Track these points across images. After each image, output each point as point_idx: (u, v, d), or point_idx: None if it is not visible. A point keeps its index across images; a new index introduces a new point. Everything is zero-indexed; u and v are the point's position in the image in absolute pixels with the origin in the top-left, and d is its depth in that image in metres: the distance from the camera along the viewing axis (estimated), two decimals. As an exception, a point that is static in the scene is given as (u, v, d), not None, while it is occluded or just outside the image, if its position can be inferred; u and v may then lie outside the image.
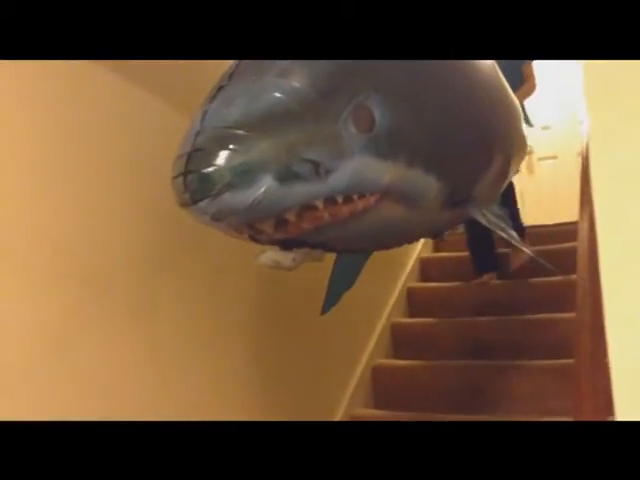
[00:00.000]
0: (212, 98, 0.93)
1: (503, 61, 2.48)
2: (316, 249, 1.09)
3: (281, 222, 0.93)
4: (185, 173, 0.85)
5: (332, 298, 1.50)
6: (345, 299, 2.38)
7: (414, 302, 3.17)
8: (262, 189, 0.85)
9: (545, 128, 4.22)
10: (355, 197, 0.97)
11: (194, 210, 0.87)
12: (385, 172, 0.99)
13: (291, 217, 0.93)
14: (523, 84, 2.89)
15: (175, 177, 0.86)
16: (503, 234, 1.34)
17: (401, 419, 2.31)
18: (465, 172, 1.22)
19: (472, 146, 1.21)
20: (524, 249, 1.49)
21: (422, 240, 3.52)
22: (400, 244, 1.36)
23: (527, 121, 2.75)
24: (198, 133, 0.88)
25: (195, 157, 0.86)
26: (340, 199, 0.95)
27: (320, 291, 1.51)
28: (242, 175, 0.85)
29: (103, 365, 1.20)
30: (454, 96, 1.16)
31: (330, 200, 0.94)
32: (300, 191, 0.89)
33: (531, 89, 2.96)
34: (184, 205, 0.87)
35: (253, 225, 0.93)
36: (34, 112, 1.12)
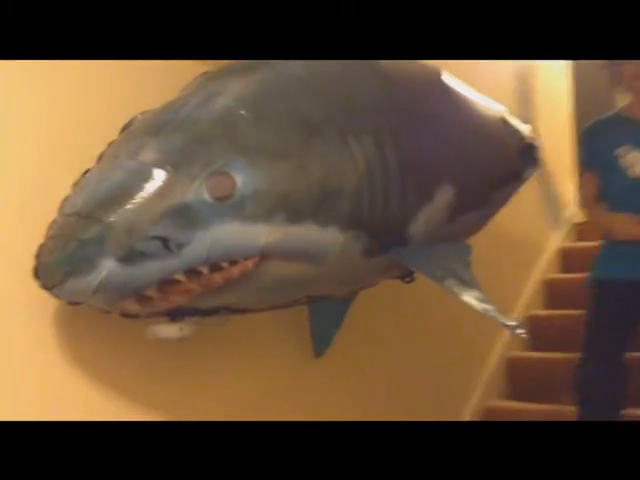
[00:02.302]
0: (76, 182, 0.95)
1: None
2: (217, 314, 1.04)
3: (143, 299, 0.92)
4: (35, 264, 0.90)
5: (323, 342, 1.45)
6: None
7: (554, 294, 3.00)
8: (103, 273, 0.86)
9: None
10: (225, 264, 0.92)
11: (53, 295, 0.91)
12: (258, 234, 0.93)
13: (152, 293, 0.91)
14: None
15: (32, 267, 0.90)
16: (448, 286, 1.09)
17: (537, 411, 2.27)
18: (386, 216, 1.06)
19: (391, 185, 1.05)
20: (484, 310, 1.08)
21: (564, 228, 3.32)
22: (335, 296, 1.25)
23: None
24: (53, 221, 0.92)
25: (43, 247, 0.90)
26: (205, 269, 0.91)
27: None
28: (80, 262, 0.86)
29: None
30: (354, 133, 1.02)
31: (193, 272, 0.91)
32: (151, 268, 0.88)
33: None
34: (44, 290, 0.90)
35: (114, 305, 0.93)
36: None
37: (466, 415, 2.24)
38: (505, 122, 1.56)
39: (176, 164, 0.91)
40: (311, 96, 1.04)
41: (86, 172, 0.96)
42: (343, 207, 1.01)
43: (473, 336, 2.33)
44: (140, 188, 0.89)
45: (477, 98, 1.41)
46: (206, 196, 0.90)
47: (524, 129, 1.63)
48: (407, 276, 1.31)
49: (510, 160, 1.52)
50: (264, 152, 0.95)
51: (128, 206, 0.88)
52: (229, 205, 0.91)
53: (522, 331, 1.10)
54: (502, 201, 1.47)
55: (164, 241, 0.87)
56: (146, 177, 0.90)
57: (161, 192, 0.89)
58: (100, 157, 0.99)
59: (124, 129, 1.02)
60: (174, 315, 1.01)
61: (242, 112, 0.97)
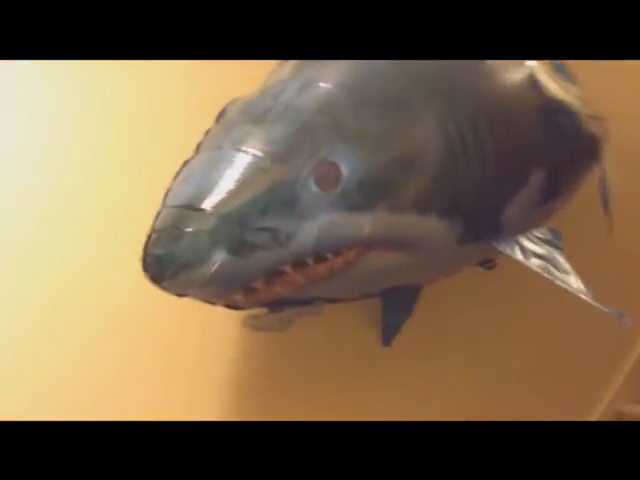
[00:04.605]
0: (177, 173, 0.94)
1: None
2: (312, 305, 1.04)
3: (250, 291, 0.92)
4: (144, 256, 0.88)
5: (393, 330, 1.41)
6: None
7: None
8: (216, 265, 0.85)
9: None
10: (330, 255, 0.91)
11: (160, 288, 0.89)
12: (362, 225, 0.91)
13: (259, 285, 0.91)
14: None
15: (140, 259, 0.89)
16: (546, 272, 1.04)
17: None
18: (482, 202, 1.04)
19: (488, 169, 1.03)
20: (584, 297, 1.03)
21: None
22: (420, 284, 1.23)
23: None
24: (159, 213, 0.91)
25: (152, 239, 0.88)
26: (310, 261, 0.91)
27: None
28: (192, 254, 0.85)
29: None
30: (452, 118, 1.00)
31: (299, 263, 0.90)
32: (261, 260, 0.87)
33: None
34: (152, 283, 0.89)
35: (222, 296, 0.93)
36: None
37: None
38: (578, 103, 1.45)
39: (282, 154, 0.89)
40: (408, 79, 1.01)
41: (186, 162, 0.95)
42: (442, 194, 0.99)
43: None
44: (248, 178, 0.88)
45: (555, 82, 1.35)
46: (313, 186, 0.89)
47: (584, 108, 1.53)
48: (488, 262, 1.29)
49: (586, 139, 1.40)
50: (366, 139, 0.93)
51: (237, 197, 0.87)
52: (335, 195, 0.90)
53: (626, 319, 1.01)
54: (581, 182, 1.40)
55: (273, 232, 0.87)
56: (253, 167, 0.88)
57: (269, 183, 0.88)
58: (199, 146, 0.97)
59: (218, 118, 1.01)
60: (273, 306, 1.01)
61: (343, 98, 0.95)
